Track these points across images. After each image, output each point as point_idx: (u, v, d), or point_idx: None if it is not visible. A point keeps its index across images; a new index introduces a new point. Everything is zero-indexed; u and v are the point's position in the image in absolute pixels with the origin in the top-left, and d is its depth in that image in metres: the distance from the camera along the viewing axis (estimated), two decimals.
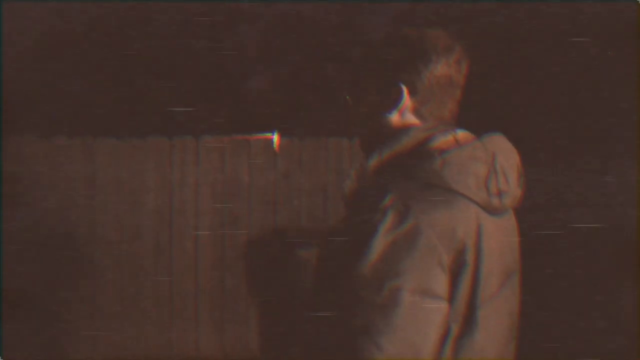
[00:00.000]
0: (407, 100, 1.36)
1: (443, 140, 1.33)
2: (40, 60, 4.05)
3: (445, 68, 1.36)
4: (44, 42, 4.21)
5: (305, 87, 5.24)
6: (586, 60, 3.32)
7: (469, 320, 1.27)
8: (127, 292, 4.05)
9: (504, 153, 1.39)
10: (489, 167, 1.34)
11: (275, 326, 4.73)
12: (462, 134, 1.37)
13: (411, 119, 1.37)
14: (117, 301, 4.03)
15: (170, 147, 4.09)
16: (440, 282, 1.24)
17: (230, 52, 5.07)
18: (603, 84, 3.23)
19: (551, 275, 3.26)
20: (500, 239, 1.36)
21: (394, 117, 1.38)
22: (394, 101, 1.36)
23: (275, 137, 4.64)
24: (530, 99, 3.52)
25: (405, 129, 1.37)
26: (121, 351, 4.02)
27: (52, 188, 3.91)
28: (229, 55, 4.99)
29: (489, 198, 1.33)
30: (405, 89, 1.35)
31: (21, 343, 3.74)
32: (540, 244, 3.39)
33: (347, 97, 1.41)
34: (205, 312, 4.17)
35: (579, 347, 3.14)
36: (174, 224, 4.10)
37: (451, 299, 1.25)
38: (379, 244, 1.23)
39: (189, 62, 4.82)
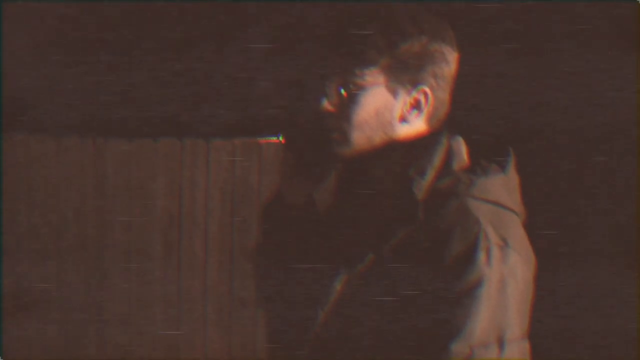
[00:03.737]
0: (430, 106, 1.10)
1: (458, 146, 1.12)
2: (47, 58, 4.03)
3: (456, 63, 1.14)
4: (49, 41, 4.19)
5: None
6: (585, 60, 3.34)
7: None
8: (135, 293, 4.03)
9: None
10: (519, 188, 1.15)
11: (283, 329, 4.72)
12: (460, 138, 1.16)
13: (420, 125, 1.12)
14: (124, 303, 4.01)
15: (180, 149, 4.08)
16: (528, 317, 1.08)
17: (237, 53, 5.06)
18: (602, 84, 3.25)
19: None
20: None
21: (406, 126, 1.11)
22: (412, 107, 1.10)
23: (281, 140, 4.63)
24: (528, 99, 3.53)
25: (432, 138, 1.11)
26: (128, 353, 3.99)
27: (61, 188, 3.89)
28: (237, 57, 4.98)
29: (525, 218, 1.15)
30: (430, 93, 1.09)
31: (21, 343, 3.72)
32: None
33: (342, 91, 1.08)
34: (213, 315, 4.16)
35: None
36: (183, 226, 4.09)
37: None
38: (491, 290, 1.02)
39: (197, 64, 4.81)
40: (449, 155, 1.11)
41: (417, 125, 1.12)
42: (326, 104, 1.09)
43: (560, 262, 3.20)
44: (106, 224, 3.99)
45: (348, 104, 1.09)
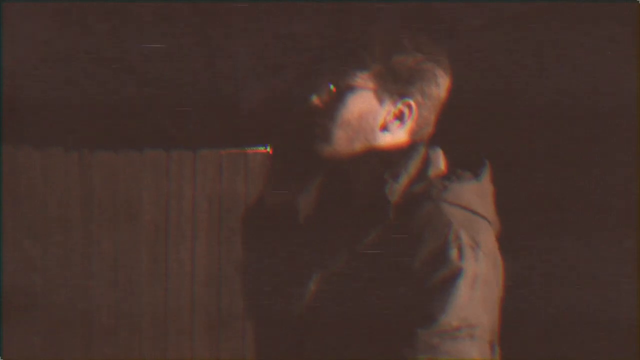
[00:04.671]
0: (414, 121, 1.14)
1: (436, 156, 1.16)
2: (38, 70, 4.04)
3: (447, 88, 1.18)
4: (40, 52, 4.19)
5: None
6: (585, 60, 3.36)
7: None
8: (122, 305, 4.02)
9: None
10: (493, 198, 1.18)
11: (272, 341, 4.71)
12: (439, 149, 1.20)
13: (401, 137, 1.16)
14: (112, 315, 4.00)
15: (167, 160, 4.08)
16: (496, 323, 1.10)
17: (224, 65, 5.07)
18: (602, 84, 3.28)
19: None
20: None
21: (387, 135, 1.15)
22: (395, 117, 1.15)
23: (269, 150, 4.64)
24: (528, 99, 3.56)
25: (410, 146, 1.15)
26: None
27: (47, 200, 3.88)
28: (223, 68, 4.99)
29: (499, 228, 1.18)
30: (415, 107, 1.14)
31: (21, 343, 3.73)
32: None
33: (332, 86, 1.12)
34: (201, 327, 4.15)
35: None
36: (170, 237, 4.09)
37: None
38: (467, 283, 1.04)
39: (184, 75, 4.82)
40: (426, 163, 1.14)
41: (398, 136, 1.16)
42: (315, 99, 1.14)
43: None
44: (92, 236, 3.98)
45: (335, 102, 1.13)
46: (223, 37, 5.01)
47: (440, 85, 1.16)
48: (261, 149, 4.22)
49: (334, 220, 1.14)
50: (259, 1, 4.92)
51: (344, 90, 1.12)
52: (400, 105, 1.15)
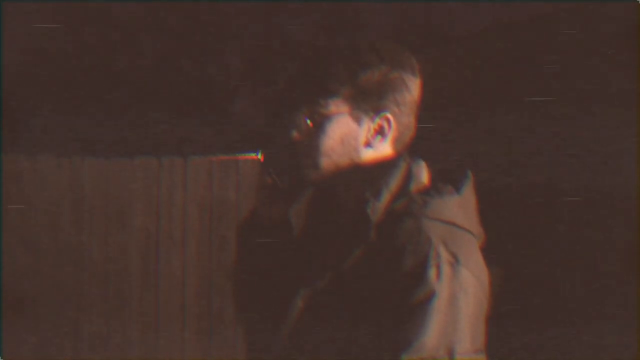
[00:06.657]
0: (394, 131, 1.15)
1: (418, 169, 1.16)
2: (30, 77, 4.05)
3: (418, 89, 1.17)
4: (32, 60, 4.21)
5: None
6: (585, 60, 3.39)
7: None
8: (113, 312, 4.02)
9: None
10: (476, 209, 1.18)
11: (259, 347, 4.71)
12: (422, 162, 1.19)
13: (385, 149, 1.17)
14: (102, 321, 4.00)
15: (158, 167, 4.09)
16: (483, 333, 1.10)
17: (215, 72, 5.10)
18: (602, 84, 3.31)
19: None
20: None
21: (370, 151, 1.16)
22: (376, 133, 1.15)
23: (260, 157, 4.64)
24: (528, 99, 3.60)
25: (391, 162, 1.15)
26: None
27: (39, 207, 3.88)
28: (215, 75, 5.02)
29: (484, 239, 1.18)
30: (392, 119, 1.14)
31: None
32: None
33: (308, 121, 1.14)
34: (192, 333, 4.15)
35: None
36: (161, 243, 4.09)
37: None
38: (442, 305, 1.05)
39: (175, 82, 4.84)
40: (407, 177, 1.15)
41: (382, 150, 1.17)
42: (295, 134, 1.15)
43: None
44: (84, 242, 3.98)
45: (315, 133, 1.14)
46: (214, 44, 5.02)
47: (412, 89, 1.16)
48: (252, 156, 4.22)
49: (321, 237, 1.14)
50: (252, 1, 4.93)
51: (321, 121, 1.14)
52: (378, 120, 1.15)
